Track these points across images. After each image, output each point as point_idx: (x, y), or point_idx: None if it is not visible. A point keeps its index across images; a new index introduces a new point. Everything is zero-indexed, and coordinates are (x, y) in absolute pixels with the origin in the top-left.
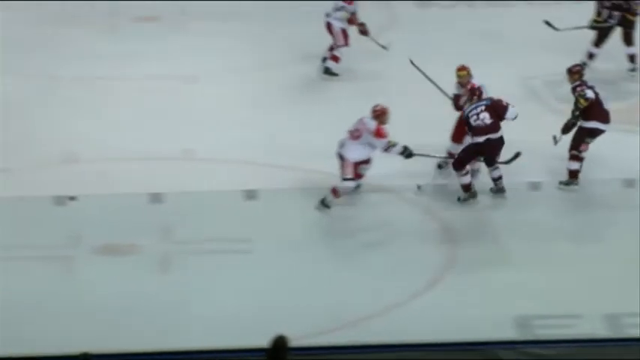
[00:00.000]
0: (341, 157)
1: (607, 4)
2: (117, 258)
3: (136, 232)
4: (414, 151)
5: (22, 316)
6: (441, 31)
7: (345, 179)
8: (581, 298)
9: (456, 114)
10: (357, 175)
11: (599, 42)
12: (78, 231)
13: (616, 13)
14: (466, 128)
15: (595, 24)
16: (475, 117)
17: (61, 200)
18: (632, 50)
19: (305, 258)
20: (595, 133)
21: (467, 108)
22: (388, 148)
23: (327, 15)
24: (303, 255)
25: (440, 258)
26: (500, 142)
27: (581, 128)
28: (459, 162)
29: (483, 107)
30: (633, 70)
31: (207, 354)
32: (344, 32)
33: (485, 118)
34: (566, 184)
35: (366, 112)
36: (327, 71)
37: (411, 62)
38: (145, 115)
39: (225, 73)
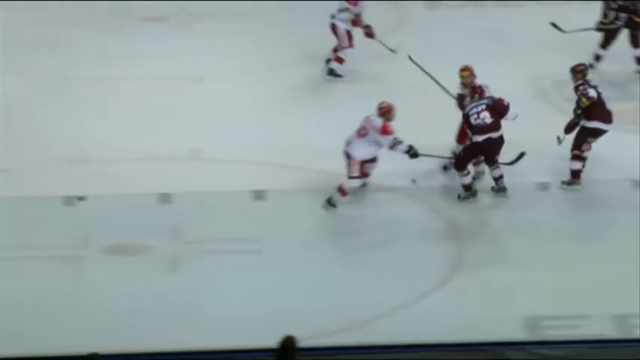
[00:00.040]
0: (348, 156)
1: (614, 5)
2: (126, 258)
3: (144, 233)
4: (420, 152)
5: (33, 316)
6: (449, 31)
7: (351, 177)
8: (588, 299)
9: (460, 115)
10: (364, 174)
11: (605, 44)
12: (87, 231)
13: (623, 15)
14: (466, 126)
15: (602, 26)
16: (475, 116)
17: (69, 200)
18: (639, 52)
19: (312, 258)
20: (597, 133)
21: (467, 106)
22: (394, 145)
23: (332, 16)
24: (311, 255)
25: (446, 258)
26: (501, 141)
27: (583, 128)
28: (460, 162)
29: (484, 106)
30: None
31: (216, 354)
32: (348, 34)
33: (486, 117)
34: (569, 183)
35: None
36: (331, 72)
37: (410, 58)
38: (151, 115)
39: (231, 74)
